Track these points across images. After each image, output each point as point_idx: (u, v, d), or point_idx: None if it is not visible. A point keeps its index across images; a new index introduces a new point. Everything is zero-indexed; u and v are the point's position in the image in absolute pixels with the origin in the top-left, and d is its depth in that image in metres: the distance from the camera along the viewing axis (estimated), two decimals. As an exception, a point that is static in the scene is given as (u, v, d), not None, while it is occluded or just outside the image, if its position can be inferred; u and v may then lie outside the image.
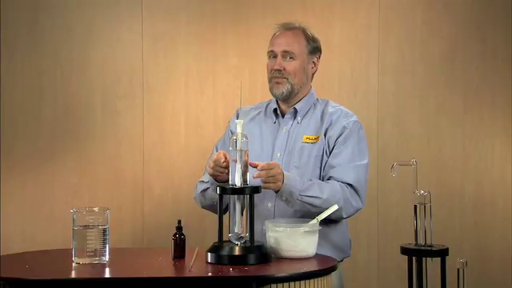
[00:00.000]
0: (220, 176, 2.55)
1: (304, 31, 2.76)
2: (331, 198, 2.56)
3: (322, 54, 2.83)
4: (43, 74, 3.59)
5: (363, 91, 3.73)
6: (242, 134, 2.41)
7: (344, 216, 2.63)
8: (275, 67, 2.71)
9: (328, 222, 2.59)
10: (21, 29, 3.57)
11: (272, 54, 2.74)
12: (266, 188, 2.50)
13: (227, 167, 2.48)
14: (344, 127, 2.70)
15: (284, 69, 2.70)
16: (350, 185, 2.62)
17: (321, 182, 2.63)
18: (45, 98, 3.60)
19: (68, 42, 3.61)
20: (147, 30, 3.65)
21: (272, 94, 2.76)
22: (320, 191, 2.56)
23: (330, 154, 2.68)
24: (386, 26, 3.73)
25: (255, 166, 2.48)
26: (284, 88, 2.71)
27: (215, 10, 3.67)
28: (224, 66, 3.67)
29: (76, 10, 3.61)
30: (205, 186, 2.71)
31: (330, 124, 2.71)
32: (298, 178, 2.57)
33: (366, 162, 2.70)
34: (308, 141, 2.70)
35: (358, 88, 3.73)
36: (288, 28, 2.77)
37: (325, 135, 2.70)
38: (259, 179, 2.49)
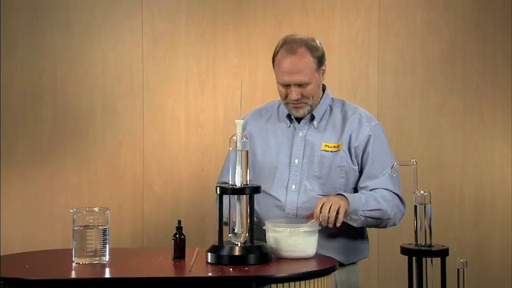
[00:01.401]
0: None
1: (307, 46, 2.60)
2: (387, 207, 2.58)
3: (323, 54, 2.82)
4: (43, 74, 3.59)
5: (363, 91, 3.72)
6: (241, 133, 2.41)
7: (396, 223, 2.64)
8: (293, 98, 2.60)
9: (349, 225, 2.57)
10: (21, 29, 3.57)
11: (283, 83, 2.62)
12: (343, 219, 2.46)
13: None
14: (369, 135, 2.64)
15: (302, 95, 2.61)
16: (395, 193, 2.62)
17: (371, 193, 2.59)
18: (45, 98, 3.60)
19: (68, 42, 3.61)
20: (147, 30, 3.65)
21: (292, 115, 2.67)
22: (377, 203, 2.56)
23: (360, 163, 2.64)
24: (386, 26, 3.73)
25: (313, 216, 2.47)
26: (305, 110, 2.64)
27: (215, 10, 3.67)
28: (224, 66, 3.67)
29: (76, 9, 3.61)
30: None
31: (352, 132, 2.64)
32: (357, 195, 2.55)
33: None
34: (327, 149, 2.63)
35: (358, 88, 3.73)
36: (293, 52, 2.59)
37: (349, 144, 2.63)
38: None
